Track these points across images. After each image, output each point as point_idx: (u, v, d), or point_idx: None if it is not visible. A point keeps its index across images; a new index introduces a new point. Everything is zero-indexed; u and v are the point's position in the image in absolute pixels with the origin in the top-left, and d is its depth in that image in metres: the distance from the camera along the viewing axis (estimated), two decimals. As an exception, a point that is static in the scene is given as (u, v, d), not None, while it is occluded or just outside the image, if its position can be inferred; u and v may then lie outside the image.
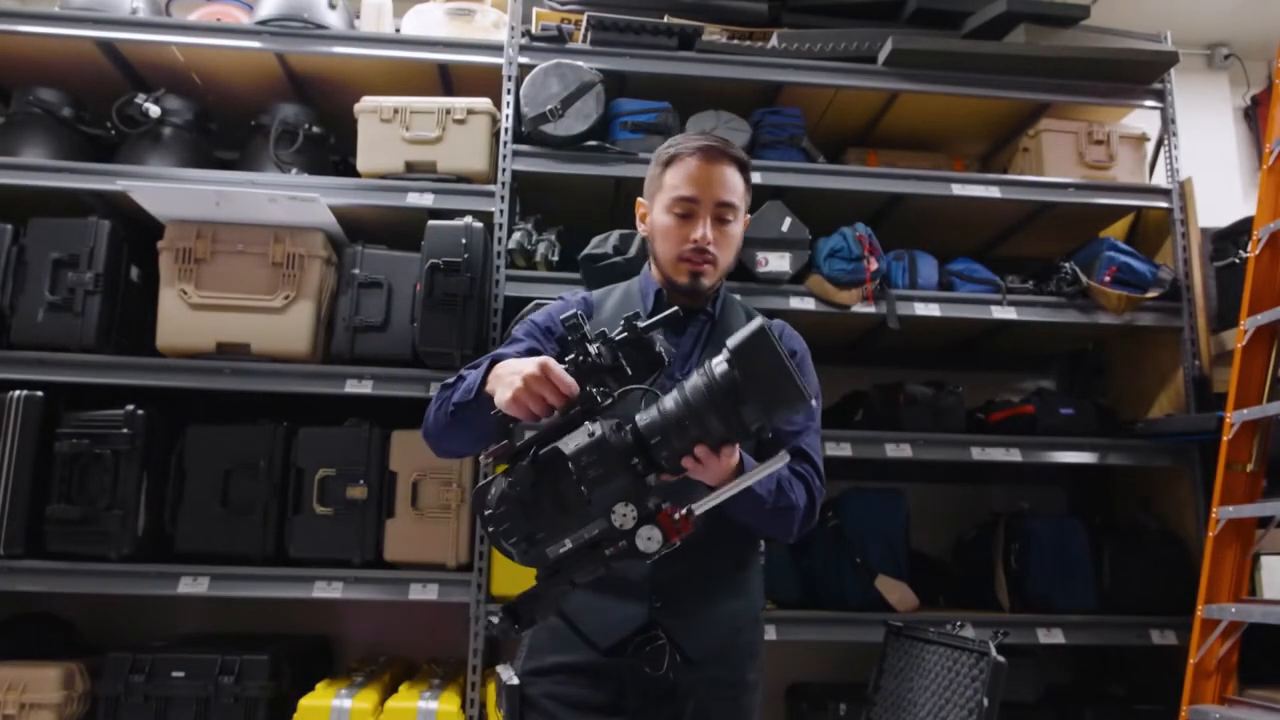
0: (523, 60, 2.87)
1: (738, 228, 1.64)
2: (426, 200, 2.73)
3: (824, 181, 2.92)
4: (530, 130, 2.79)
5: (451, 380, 1.53)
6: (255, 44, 2.84)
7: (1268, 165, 2.65)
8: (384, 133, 2.77)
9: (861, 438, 2.81)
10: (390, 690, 2.59)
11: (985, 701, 2.09)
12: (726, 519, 1.41)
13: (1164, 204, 3.07)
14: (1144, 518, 3.05)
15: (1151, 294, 2.96)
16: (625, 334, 1.28)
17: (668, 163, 1.63)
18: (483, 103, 2.79)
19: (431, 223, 2.65)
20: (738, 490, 1.22)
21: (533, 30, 2.93)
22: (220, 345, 2.61)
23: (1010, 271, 3.03)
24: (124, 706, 2.43)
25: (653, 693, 1.48)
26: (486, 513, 1.23)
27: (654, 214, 1.65)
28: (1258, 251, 2.60)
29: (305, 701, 2.37)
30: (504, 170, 2.79)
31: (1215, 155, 4.09)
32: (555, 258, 2.79)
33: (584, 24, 2.90)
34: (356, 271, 2.67)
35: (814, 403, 1.65)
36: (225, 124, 3.09)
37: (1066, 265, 2.96)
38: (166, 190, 2.59)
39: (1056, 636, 2.72)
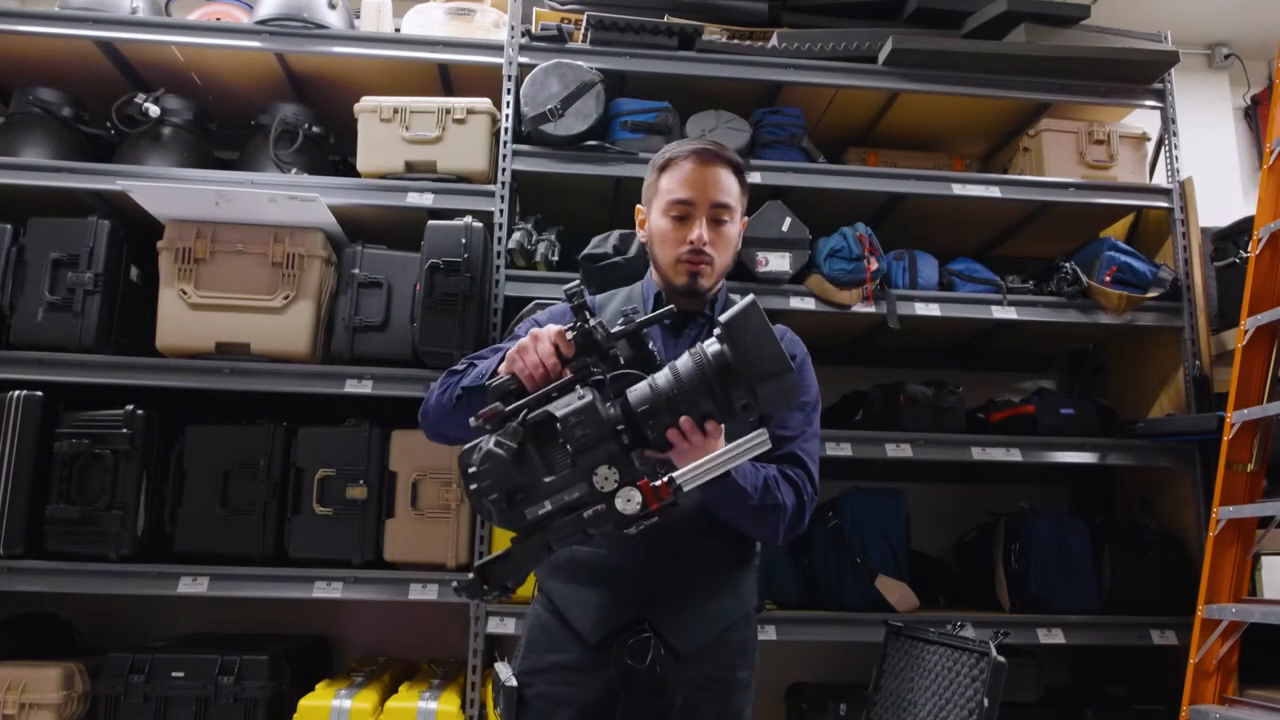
0: (523, 60, 2.87)
1: (734, 229, 1.65)
2: (426, 200, 2.73)
3: (824, 181, 2.92)
4: (530, 130, 2.79)
5: (461, 366, 1.57)
6: (255, 44, 2.84)
7: (1268, 165, 2.65)
8: (384, 132, 2.77)
9: (861, 438, 2.81)
10: (390, 690, 2.59)
11: (985, 702, 2.09)
12: (716, 518, 1.42)
13: (1164, 204, 3.07)
14: (1144, 518, 3.05)
15: (1152, 294, 2.95)
16: (623, 326, 1.32)
17: (663, 168, 1.66)
18: (483, 103, 2.79)
19: (431, 223, 2.65)
20: (720, 462, 1.22)
21: (533, 30, 2.93)
22: (220, 345, 2.61)
23: (1010, 271, 3.03)
24: (124, 706, 2.43)
25: (642, 689, 1.49)
26: (470, 470, 1.25)
27: (651, 219, 1.67)
28: (1258, 251, 2.60)
29: (305, 701, 2.37)
30: (504, 170, 2.79)
31: (1215, 155, 4.09)
32: (555, 258, 2.79)
33: (584, 24, 2.90)
34: (356, 271, 2.67)
35: (814, 413, 1.65)
36: (225, 124, 3.09)
37: (1067, 265, 2.96)
38: (166, 190, 2.59)
39: (1057, 636, 2.72)
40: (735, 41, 3.00)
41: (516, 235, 2.75)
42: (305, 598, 2.50)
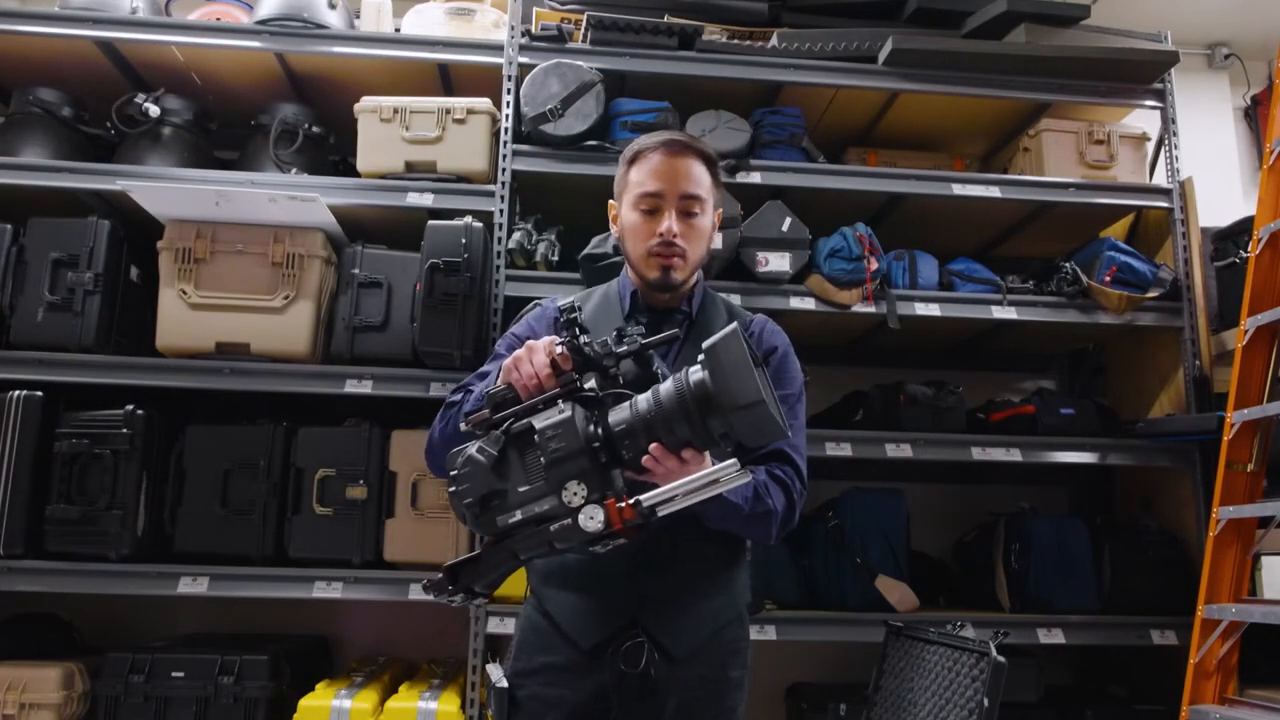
0: (523, 60, 2.87)
1: (705, 221, 1.63)
2: (426, 200, 2.73)
3: (824, 181, 2.92)
4: (530, 130, 2.79)
5: (456, 397, 1.57)
6: (255, 44, 2.84)
7: (1268, 165, 2.65)
8: (384, 132, 2.77)
9: (861, 438, 2.81)
10: (390, 690, 2.59)
11: (985, 702, 2.09)
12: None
13: (1164, 204, 3.07)
14: (1144, 518, 3.05)
15: (1152, 294, 2.95)
16: (626, 347, 1.32)
17: (632, 160, 1.64)
18: (483, 103, 2.79)
19: (431, 223, 2.65)
20: (690, 490, 1.22)
21: (533, 30, 2.93)
22: (220, 345, 2.61)
23: (1010, 271, 3.03)
24: (124, 706, 2.43)
25: (634, 690, 1.49)
26: (451, 473, 1.27)
27: (622, 213, 1.66)
28: (1258, 251, 2.60)
29: (305, 701, 2.37)
30: (504, 170, 2.79)
31: (1215, 155, 4.09)
32: (555, 257, 2.79)
33: (584, 24, 2.90)
34: (356, 271, 2.67)
35: (799, 405, 1.63)
36: (225, 124, 3.10)
37: (1067, 265, 2.96)
38: (166, 190, 2.59)
39: (1057, 637, 2.72)
40: (735, 41, 3.00)
41: (516, 235, 2.75)
42: (305, 598, 2.50)
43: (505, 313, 2.69)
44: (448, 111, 2.76)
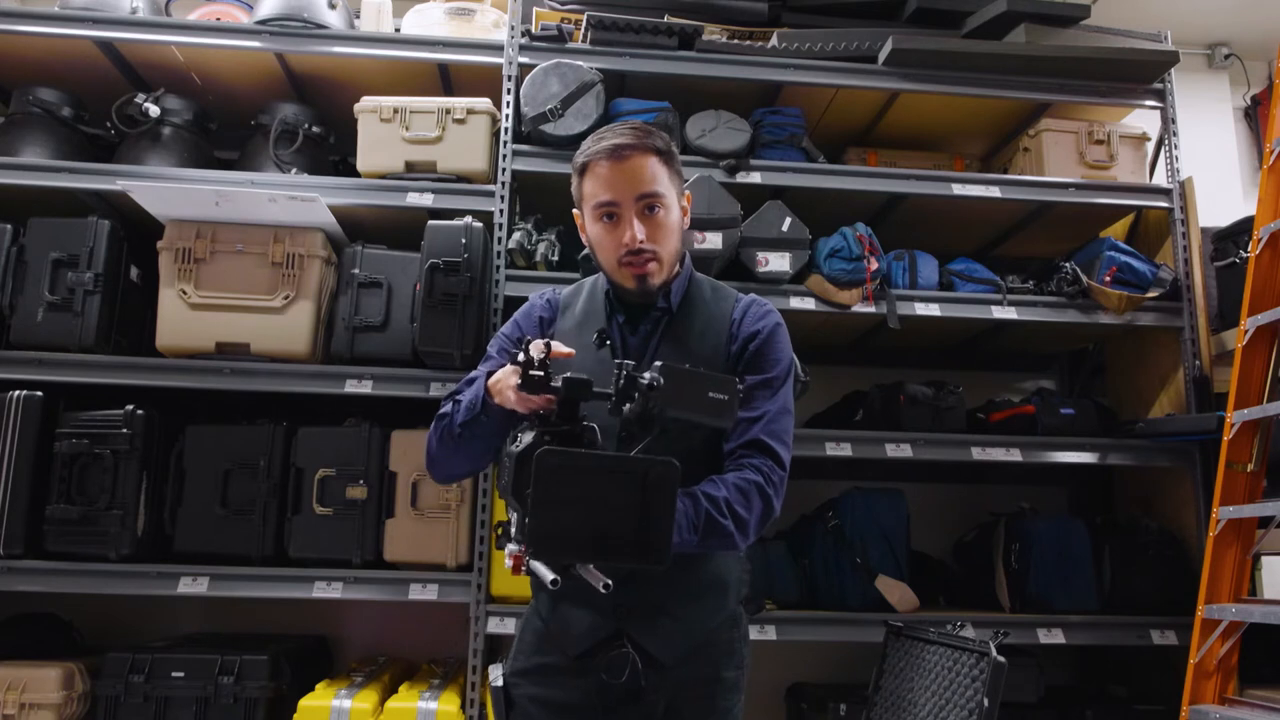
0: (523, 60, 2.87)
1: (670, 214, 1.56)
2: (426, 200, 2.73)
3: (824, 181, 2.92)
4: (530, 130, 2.79)
5: (445, 410, 1.56)
6: (255, 44, 2.84)
7: (1268, 165, 2.65)
8: (384, 132, 2.77)
9: (861, 438, 2.81)
10: (390, 690, 2.59)
11: (985, 702, 2.09)
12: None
13: (1164, 204, 3.07)
14: (1144, 518, 3.05)
15: (1152, 294, 2.95)
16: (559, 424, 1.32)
17: (582, 172, 1.58)
18: (483, 102, 2.79)
19: (431, 223, 2.65)
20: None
21: (533, 30, 2.93)
22: (220, 345, 2.61)
23: (1010, 271, 3.03)
24: (124, 706, 2.43)
25: (621, 697, 1.48)
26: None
27: (586, 225, 1.61)
28: (1258, 251, 2.60)
29: (305, 701, 2.37)
30: (504, 170, 2.79)
31: (1215, 155, 4.10)
32: (555, 257, 2.79)
33: (584, 24, 2.90)
34: (356, 271, 2.67)
35: (785, 387, 1.58)
36: (225, 124, 3.09)
37: (1067, 265, 2.96)
38: (166, 190, 2.59)
39: (1057, 637, 2.72)
40: (735, 41, 3.00)
41: (516, 235, 2.75)
42: (305, 598, 2.50)
43: (505, 313, 2.69)
44: (448, 111, 2.76)
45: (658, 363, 1.27)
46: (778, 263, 2.78)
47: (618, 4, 2.97)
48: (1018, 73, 3.02)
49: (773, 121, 2.97)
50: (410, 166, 2.77)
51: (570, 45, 2.90)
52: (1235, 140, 4.24)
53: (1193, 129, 3.65)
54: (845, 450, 2.78)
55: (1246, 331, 2.56)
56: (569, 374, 1.30)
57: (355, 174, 2.83)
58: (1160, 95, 3.13)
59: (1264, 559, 3.20)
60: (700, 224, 2.67)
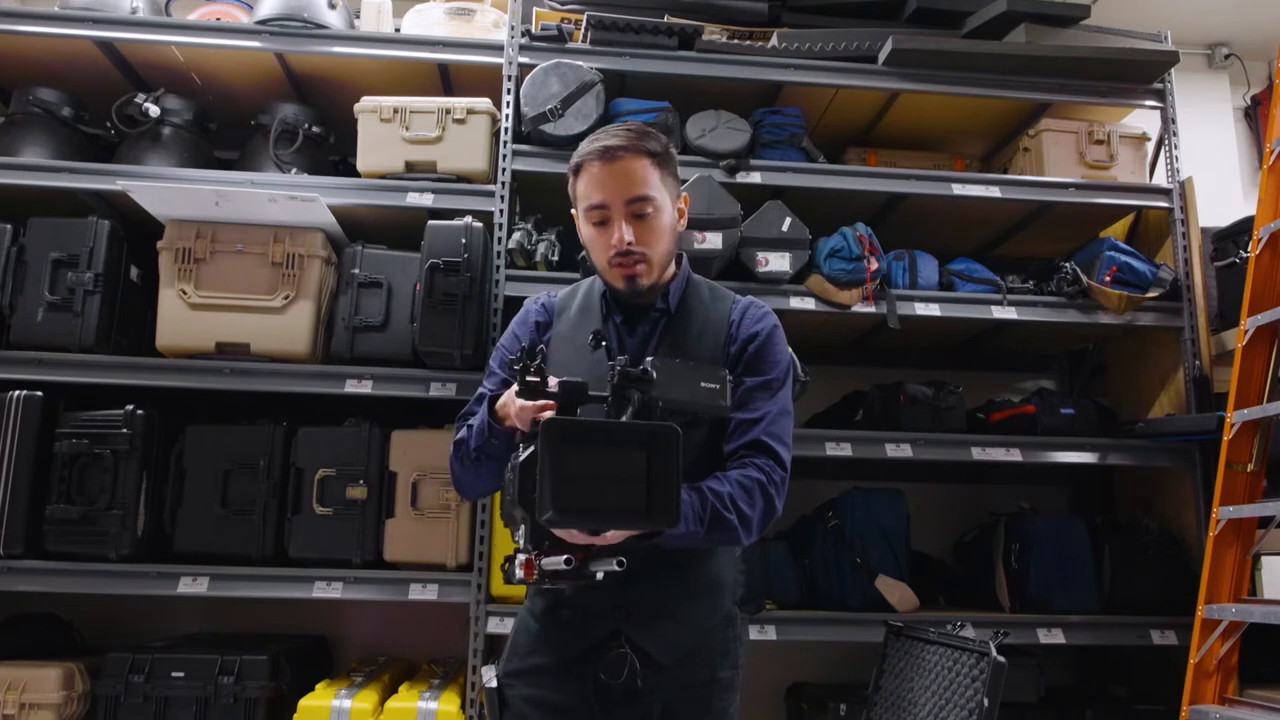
0: (523, 60, 2.87)
1: (661, 218, 1.57)
2: (426, 200, 2.73)
3: (824, 181, 2.92)
4: (530, 130, 2.79)
5: (460, 435, 1.59)
6: (255, 44, 2.84)
7: (1268, 165, 2.65)
8: (384, 132, 2.77)
9: (861, 438, 2.81)
10: (390, 690, 2.59)
11: (985, 702, 2.09)
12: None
13: (1164, 204, 3.07)
14: (1144, 518, 3.05)
15: (1152, 294, 2.95)
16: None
17: (575, 172, 1.60)
18: (483, 102, 2.79)
19: (431, 223, 2.65)
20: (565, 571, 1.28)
21: (533, 30, 2.93)
22: (220, 345, 2.61)
23: (1010, 271, 3.03)
24: (124, 706, 2.43)
25: (618, 698, 1.48)
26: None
27: (580, 224, 1.63)
28: (1258, 251, 2.60)
29: (305, 701, 2.37)
30: (504, 170, 2.79)
31: (1215, 155, 4.10)
32: (555, 257, 2.79)
33: (584, 24, 2.90)
34: (356, 271, 2.67)
35: (784, 389, 1.59)
36: (225, 124, 3.09)
37: (1067, 265, 2.96)
38: (166, 190, 2.59)
39: (1057, 637, 2.72)
40: (735, 41, 3.00)
41: (516, 235, 2.75)
42: (305, 598, 2.50)
43: (505, 313, 2.69)
44: (448, 111, 2.76)
45: (650, 358, 1.30)
46: (778, 263, 2.78)
47: (618, 4, 2.97)
48: (1018, 73, 3.02)
49: (773, 121, 2.97)
50: (410, 166, 2.77)
51: (570, 45, 2.90)
52: (1235, 140, 4.24)
53: (1193, 129, 3.65)
54: (845, 450, 2.78)
55: (1246, 331, 2.56)
56: (565, 378, 1.31)
57: (355, 174, 2.83)
58: (1160, 95, 3.13)
59: (1264, 559, 3.20)
60: (700, 224, 2.67)
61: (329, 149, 3.03)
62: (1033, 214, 3.20)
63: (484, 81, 2.91)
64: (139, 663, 2.45)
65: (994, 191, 2.96)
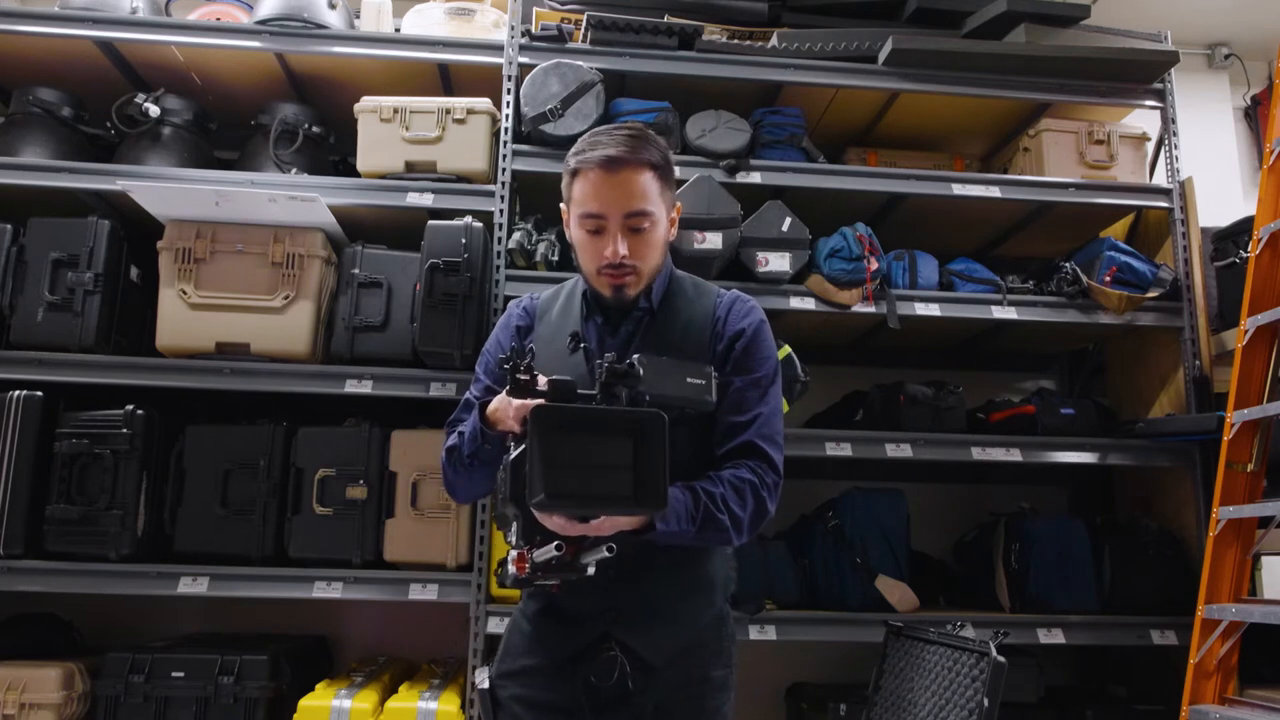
0: (523, 60, 2.87)
1: (657, 231, 1.54)
2: (426, 200, 2.73)
3: (824, 181, 2.92)
4: (530, 130, 2.79)
5: (451, 442, 1.58)
6: (255, 44, 2.84)
7: (1268, 165, 2.65)
8: (384, 132, 2.77)
9: (861, 438, 2.81)
10: (390, 690, 2.59)
11: (985, 702, 2.09)
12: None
13: (1164, 204, 3.07)
14: (1144, 518, 3.05)
15: (1152, 294, 2.95)
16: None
17: (573, 174, 1.55)
18: (483, 102, 2.79)
19: (431, 223, 2.65)
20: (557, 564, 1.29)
21: (533, 30, 2.93)
22: (220, 345, 2.61)
23: (1010, 271, 3.03)
24: (124, 706, 2.43)
25: (609, 699, 1.48)
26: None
27: (570, 225, 1.58)
28: (1258, 251, 2.60)
29: (305, 701, 2.37)
30: (504, 170, 2.79)
31: (1215, 155, 4.09)
32: (555, 257, 2.79)
33: (584, 24, 2.90)
34: (356, 271, 2.67)
35: (773, 387, 1.57)
36: (225, 124, 3.09)
37: (1067, 265, 2.96)
38: (166, 190, 2.59)
39: (1057, 637, 2.72)
40: (735, 41, 3.00)
41: (516, 235, 2.75)
42: (305, 598, 2.50)
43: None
44: (448, 111, 2.76)
45: (635, 354, 1.30)
46: (778, 263, 2.78)
47: (618, 4, 2.97)
48: (1018, 73, 3.02)
49: (773, 121, 2.97)
50: (410, 166, 2.77)
51: (570, 45, 2.90)
52: (1235, 140, 4.24)
53: (1193, 129, 3.65)
54: (845, 450, 2.78)
55: (1246, 331, 2.56)
56: (555, 377, 1.32)
57: (355, 174, 2.83)
58: (1160, 95, 3.13)
59: (1264, 559, 3.20)
60: (700, 224, 2.67)
61: (329, 149, 3.03)
62: (1033, 214, 3.20)
63: (484, 81, 2.91)
64: (139, 663, 2.45)
65: (994, 191, 2.96)
